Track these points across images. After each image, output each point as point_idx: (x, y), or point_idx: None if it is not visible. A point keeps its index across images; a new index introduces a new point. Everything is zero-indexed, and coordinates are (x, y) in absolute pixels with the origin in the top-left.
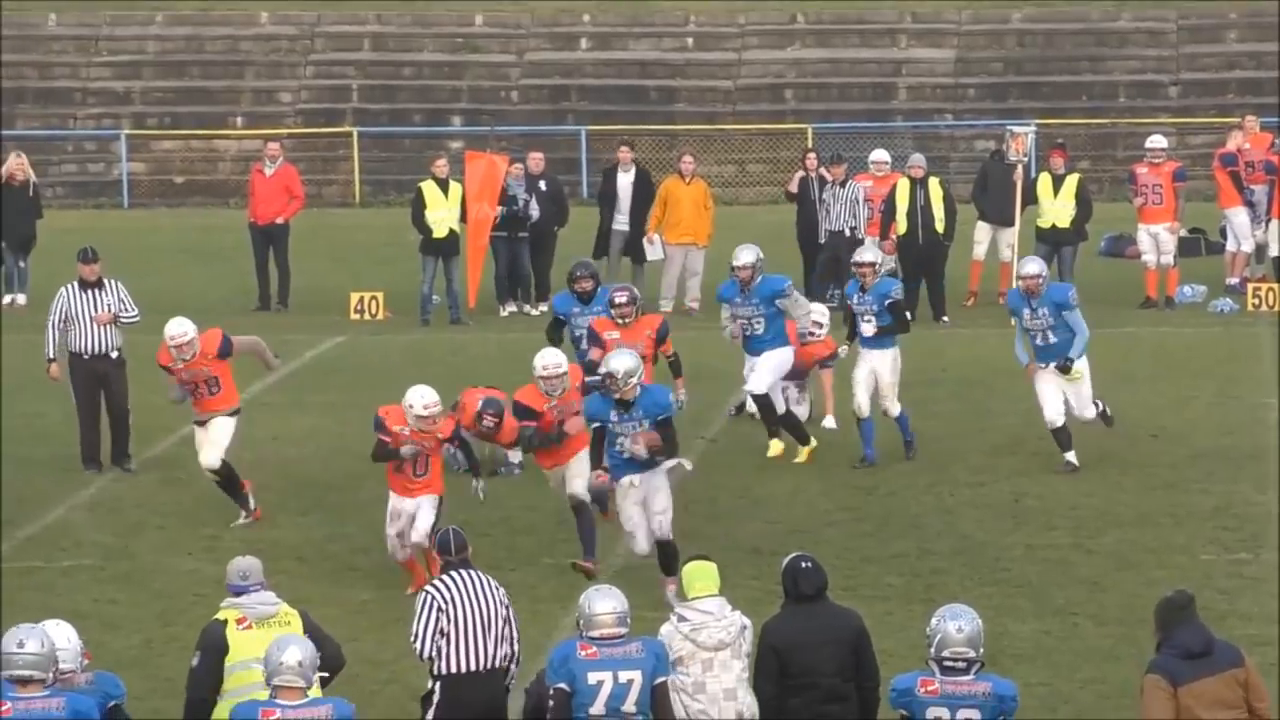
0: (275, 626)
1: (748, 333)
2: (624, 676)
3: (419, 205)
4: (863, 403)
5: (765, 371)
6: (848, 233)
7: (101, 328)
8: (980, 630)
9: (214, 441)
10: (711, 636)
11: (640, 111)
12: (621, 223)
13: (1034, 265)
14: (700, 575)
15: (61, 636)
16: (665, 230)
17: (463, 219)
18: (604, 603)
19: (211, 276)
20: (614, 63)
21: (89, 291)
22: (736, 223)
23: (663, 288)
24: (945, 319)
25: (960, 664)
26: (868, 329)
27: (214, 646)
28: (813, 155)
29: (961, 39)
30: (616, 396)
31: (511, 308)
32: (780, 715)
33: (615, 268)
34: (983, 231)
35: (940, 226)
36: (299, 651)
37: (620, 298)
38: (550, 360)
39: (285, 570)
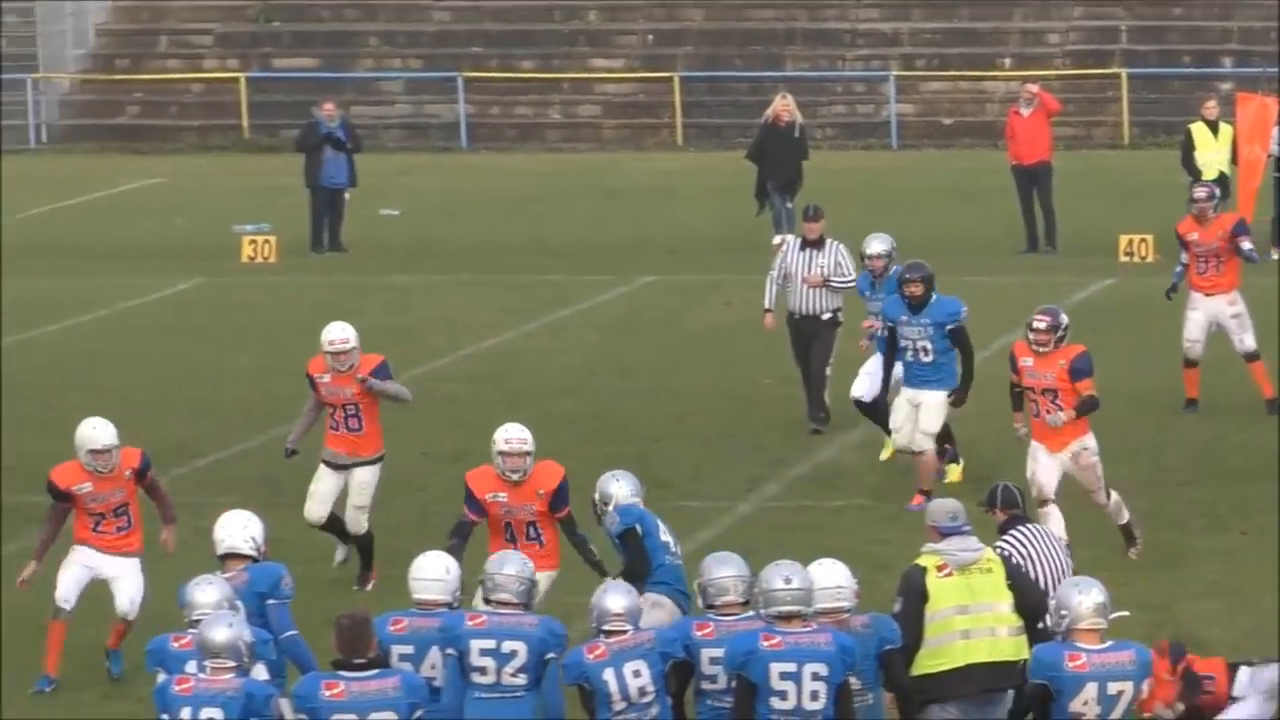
0: (976, 574)
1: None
2: None
3: (1188, 147)
4: None
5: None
6: None
7: (811, 289)
8: None
9: (355, 504)
10: None
11: None
12: None
13: None
14: None
15: (840, 574)
16: None
17: (1233, 161)
18: None
19: (978, 218)
20: None
21: (807, 250)
22: None
23: None
24: None
25: None
26: None
27: (915, 593)
28: None
29: None
30: None
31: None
32: None
33: None
34: None
35: None
36: (1100, 594)
37: (1040, 322)
38: (513, 434)
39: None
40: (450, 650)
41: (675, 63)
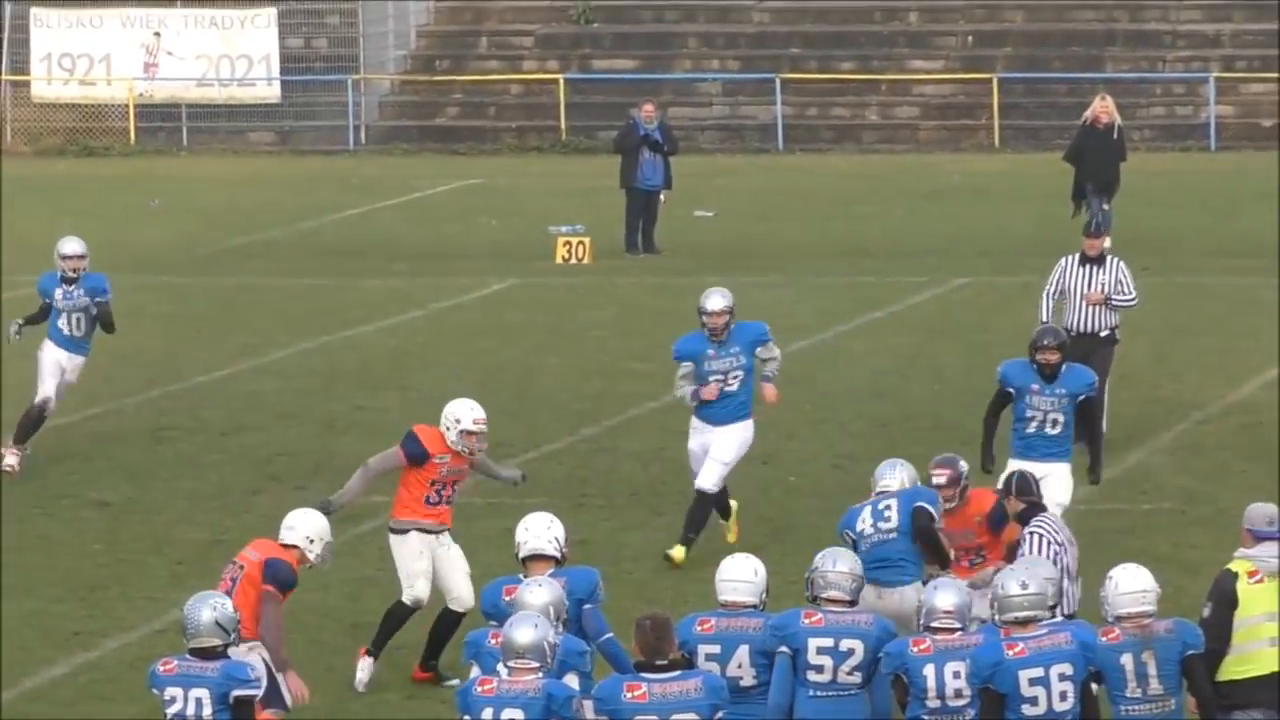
0: None
1: (724, 390)
2: None
3: None
4: None
5: (724, 458)
6: None
7: (1091, 306)
8: None
9: (455, 583)
10: None
11: None
12: None
13: None
14: None
15: (1144, 578)
16: None
17: None
18: None
19: None
20: None
21: (1088, 266)
22: None
23: None
24: None
25: None
26: None
27: (1224, 598)
28: None
29: None
30: None
31: None
32: None
33: None
34: None
35: None
36: None
37: (939, 477)
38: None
39: None
40: (784, 649)
41: (994, 64)
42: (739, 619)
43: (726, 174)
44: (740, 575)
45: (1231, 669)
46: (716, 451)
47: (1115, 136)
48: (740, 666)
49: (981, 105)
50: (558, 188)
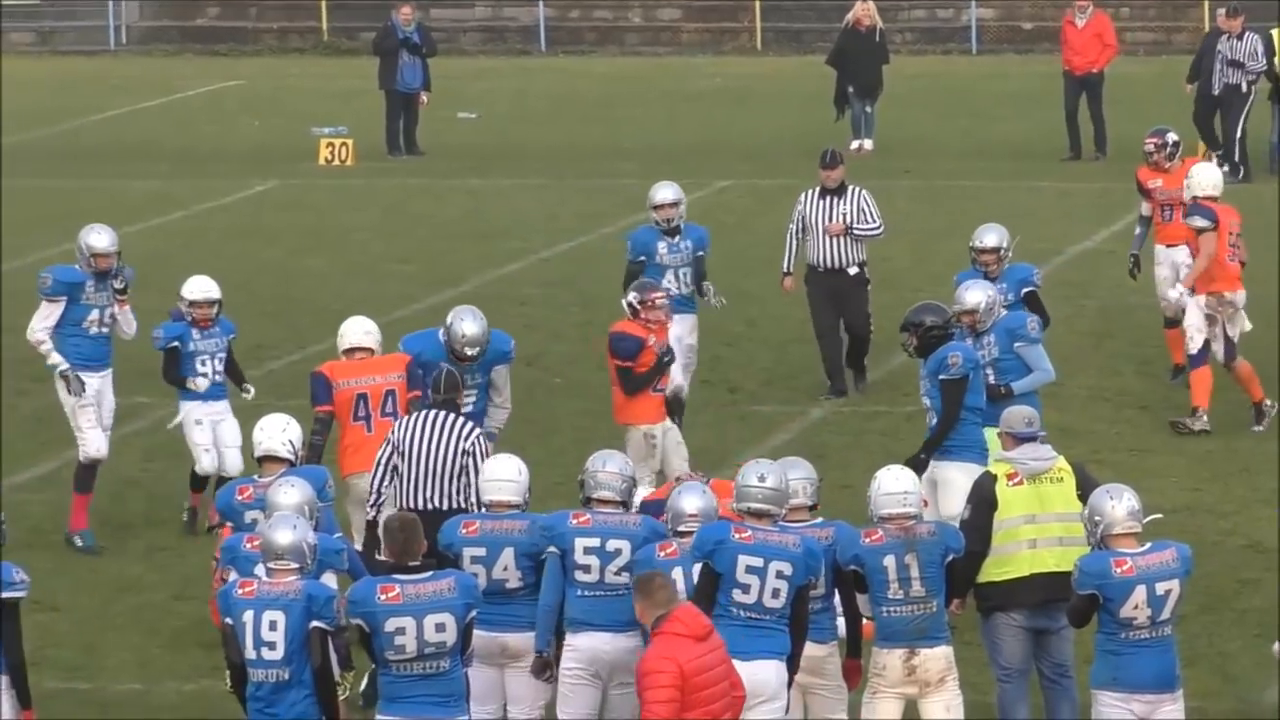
0: (1046, 483)
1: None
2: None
3: (1269, 52)
4: None
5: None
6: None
7: (835, 239)
8: None
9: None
10: None
11: None
12: None
13: None
14: None
15: (907, 480)
16: None
17: None
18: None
19: (1056, 124)
20: None
21: (827, 198)
22: None
23: None
24: None
25: None
26: None
27: (984, 501)
28: None
29: None
30: None
31: None
32: None
33: None
34: None
35: None
36: (1132, 499)
37: (661, 298)
38: None
39: (1128, 420)
40: (553, 549)
41: None
42: (504, 521)
43: (489, 76)
44: (504, 474)
45: (991, 571)
46: None
47: (877, 39)
48: (506, 569)
49: (743, 8)
50: (320, 89)
